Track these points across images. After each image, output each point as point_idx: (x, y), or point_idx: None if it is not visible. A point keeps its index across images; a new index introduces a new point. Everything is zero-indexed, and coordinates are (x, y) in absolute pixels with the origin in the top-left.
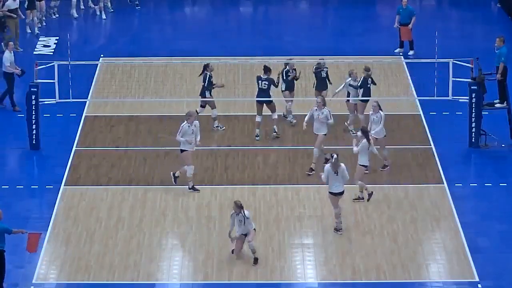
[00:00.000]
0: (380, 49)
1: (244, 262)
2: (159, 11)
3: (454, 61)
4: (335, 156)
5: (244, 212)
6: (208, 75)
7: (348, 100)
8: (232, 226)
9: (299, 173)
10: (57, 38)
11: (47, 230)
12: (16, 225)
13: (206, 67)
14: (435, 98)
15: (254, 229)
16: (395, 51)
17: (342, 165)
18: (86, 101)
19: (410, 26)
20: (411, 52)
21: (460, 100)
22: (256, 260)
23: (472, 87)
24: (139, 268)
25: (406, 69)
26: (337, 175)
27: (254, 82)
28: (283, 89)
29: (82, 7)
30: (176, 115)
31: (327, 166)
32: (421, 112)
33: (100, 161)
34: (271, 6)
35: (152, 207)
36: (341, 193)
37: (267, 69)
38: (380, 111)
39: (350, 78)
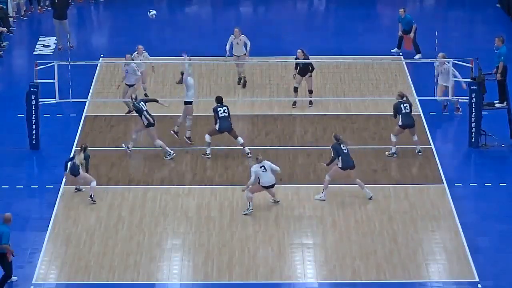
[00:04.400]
0: (380, 49)
1: (244, 262)
2: (159, 11)
3: (454, 61)
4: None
5: None
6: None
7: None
8: None
9: (299, 173)
10: (57, 38)
11: (47, 230)
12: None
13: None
14: (435, 98)
15: None
16: (392, 50)
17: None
18: (86, 101)
19: (410, 35)
20: (417, 56)
21: (460, 100)
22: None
23: (472, 87)
24: (139, 268)
25: (406, 69)
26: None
27: (253, 82)
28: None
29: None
30: (176, 115)
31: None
32: (421, 112)
33: (100, 161)
34: (271, 6)
35: (152, 207)
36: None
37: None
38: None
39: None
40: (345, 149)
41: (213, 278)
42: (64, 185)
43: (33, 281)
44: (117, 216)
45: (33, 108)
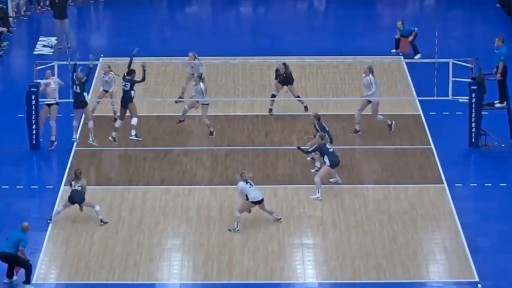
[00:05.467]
0: (380, 49)
1: (244, 262)
2: (159, 11)
3: (454, 61)
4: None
5: None
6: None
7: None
8: None
9: (299, 173)
10: (57, 38)
11: (47, 230)
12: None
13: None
14: (435, 98)
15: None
16: (392, 51)
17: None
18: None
19: (410, 38)
20: (417, 56)
21: (460, 100)
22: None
23: (472, 87)
24: (139, 268)
25: (406, 69)
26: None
27: (253, 82)
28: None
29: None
30: (176, 115)
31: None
32: (421, 112)
33: (100, 161)
34: (271, 6)
35: (152, 207)
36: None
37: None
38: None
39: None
40: (330, 149)
41: (213, 278)
42: (64, 185)
43: (33, 281)
44: (117, 216)
45: (33, 108)
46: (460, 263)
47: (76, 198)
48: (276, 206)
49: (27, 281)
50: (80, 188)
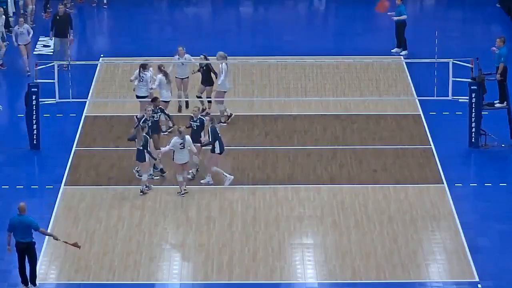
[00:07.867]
0: (380, 49)
1: (244, 262)
2: (159, 11)
3: (454, 61)
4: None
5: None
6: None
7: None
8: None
9: (299, 173)
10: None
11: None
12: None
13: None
14: (435, 98)
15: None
16: (392, 50)
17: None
18: (86, 101)
19: (392, 14)
20: (403, 53)
21: (460, 100)
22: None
23: (472, 87)
24: (139, 268)
25: (406, 69)
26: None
27: (253, 82)
28: None
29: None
30: (175, 115)
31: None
32: (421, 112)
33: (100, 161)
34: (271, 6)
35: (152, 207)
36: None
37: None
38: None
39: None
40: (220, 134)
41: (213, 278)
42: (64, 185)
43: None
44: (117, 216)
45: (33, 108)
46: (460, 263)
47: (139, 157)
48: (276, 206)
49: (33, 280)
50: (142, 146)
